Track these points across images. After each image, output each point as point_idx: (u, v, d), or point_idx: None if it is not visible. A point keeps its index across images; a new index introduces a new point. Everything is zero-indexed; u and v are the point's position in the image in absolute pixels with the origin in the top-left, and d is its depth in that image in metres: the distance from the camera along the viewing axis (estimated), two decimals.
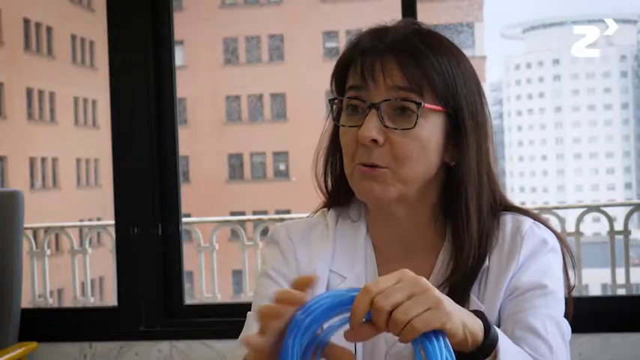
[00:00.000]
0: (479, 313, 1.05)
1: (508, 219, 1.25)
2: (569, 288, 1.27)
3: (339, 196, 1.30)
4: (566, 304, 1.24)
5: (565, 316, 1.22)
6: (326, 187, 1.32)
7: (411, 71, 1.17)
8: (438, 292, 0.98)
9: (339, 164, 1.28)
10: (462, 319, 0.99)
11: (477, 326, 1.02)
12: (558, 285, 1.23)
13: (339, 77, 1.25)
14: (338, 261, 1.26)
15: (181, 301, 2.90)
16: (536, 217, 1.27)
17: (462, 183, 1.21)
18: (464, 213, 1.21)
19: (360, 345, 1.22)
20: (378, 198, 1.21)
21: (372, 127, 1.17)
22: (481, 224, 1.22)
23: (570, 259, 1.28)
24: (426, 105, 1.18)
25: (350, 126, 1.21)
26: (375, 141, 1.18)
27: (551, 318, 1.18)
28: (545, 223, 1.27)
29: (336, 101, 1.24)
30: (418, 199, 1.23)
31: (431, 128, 1.19)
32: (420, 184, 1.21)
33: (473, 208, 1.21)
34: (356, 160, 1.20)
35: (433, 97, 1.18)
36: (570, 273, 1.28)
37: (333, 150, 1.29)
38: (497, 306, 1.20)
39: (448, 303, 0.98)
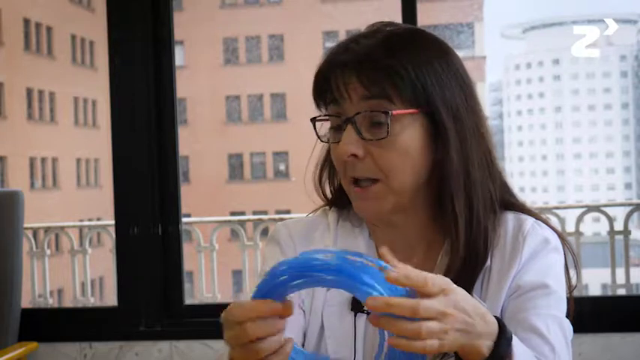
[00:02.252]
0: (501, 324, 1.05)
1: (509, 218, 1.25)
2: (570, 287, 1.27)
3: (339, 203, 1.31)
4: (567, 303, 1.23)
5: (566, 316, 1.22)
6: (324, 193, 1.33)
7: (371, 81, 1.17)
8: (459, 321, 0.99)
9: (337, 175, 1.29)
10: (458, 346, 1.01)
11: (482, 347, 1.03)
12: (560, 284, 1.23)
13: (318, 93, 1.25)
14: None
15: (181, 301, 2.90)
16: (537, 216, 1.27)
17: (445, 181, 1.21)
18: (450, 211, 1.21)
19: (360, 343, 1.22)
20: (373, 214, 1.23)
21: (348, 142, 1.18)
22: (473, 223, 1.21)
23: (572, 258, 1.28)
24: (395, 111, 1.17)
25: (335, 142, 1.22)
26: (355, 155, 1.18)
27: (553, 318, 1.18)
28: (547, 223, 1.27)
29: (318, 119, 1.24)
30: (414, 204, 1.23)
31: (408, 133, 1.19)
32: (412, 190, 1.21)
33: (460, 206, 1.20)
34: (347, 176, 1.21)
35: (402, 101, 1.18)
36: (572, 272, 1.28)
37: (329, 163, 1.30)
38: (500, 305, 1.20)
39: (455, 335, 0.99)
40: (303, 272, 0.98)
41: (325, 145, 1.29)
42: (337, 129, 1.22)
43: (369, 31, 1.24)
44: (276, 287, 0.98)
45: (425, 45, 1.22)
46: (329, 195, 1.33)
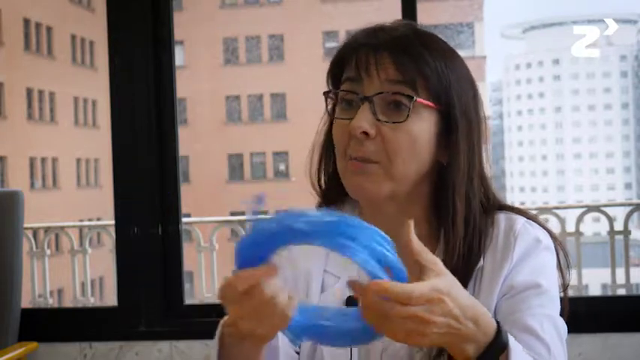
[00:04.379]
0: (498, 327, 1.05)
1: (501, 218, 1.25)
2: (564, 287, 1.27)
3: (332, 194, 1.30)
4: (561, 303, 1.23)
5: (560, 315, 1.22)
6: (320, 185, 1.32)
7: (405, 66, 1.18)
8: (444, 326, 0.99)
9: (333, 162, 1.28)
10: (439, 345, 1.01)
11: (468, 351, 1.02)
12: (553, 283, 1.23)
13: (335, 72, 1.26)
14: (332, 261, 1.26)
15: (181, 301, 2.90)
16: (529, 216, 1.27)
17: (450, 182, 1.21)
18: (451, 212, 1.21)
19: None
20: (368, 195, 1.21)
21: (363, 119, 1.18)
22: (471, 224, 1.22)
23: (565, 257, 1.28)
24: (419, 100, 1.18)
25: (343, 119, 1.22)
26: (366, 134, 1.18)
27: (547, 317, 1.18)
28: (539, 222, 1.27)
29: (330, 95, 1.25)
30: (409, 197, 1.23)
31: (422, 124, 1.19)
32: (411, 182, 1.21)
33: (461, 207, 1.21)
34: (348, 155, 1.20)
35: (426, 93, 1.19)
36: (565, 272, 1.28)
37: (327, 148, 1.29)
38: (492, 306, 1.20)
39: (433, 337, 0.99)
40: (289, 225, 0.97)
41: (320, 132, 1.29)
42: (347, 107, 1.22)
43: (393, 24, 1.25)
44: (262, 245, 0.98)
45: (444, 45, 1.24)
46: (323, 185, 1.32)
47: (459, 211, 1.21)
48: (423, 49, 1.20)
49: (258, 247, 0.98)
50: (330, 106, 1.27)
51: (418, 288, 0.97)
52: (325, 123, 1.29)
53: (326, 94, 1.25)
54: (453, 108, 1.21)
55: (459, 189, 1.21)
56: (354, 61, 1.21)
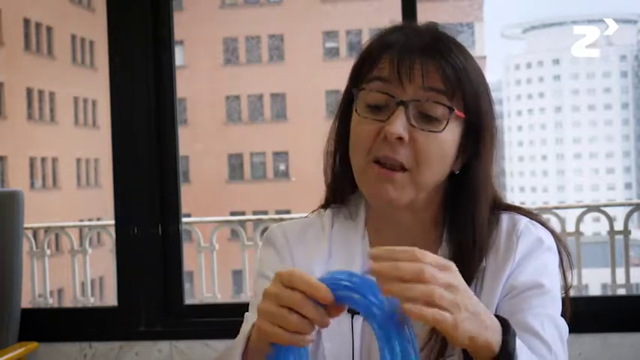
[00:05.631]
0: (503, 322, 1.04)
1: (504, 218, 1.25)
2: (566, 287, 1.27)
3: (340, 191, 1.29)
4: (562, 303, 1.23)
5: (562, 316, 1.22)
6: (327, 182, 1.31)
7: (447, 75, 1.17)
8: (467, 301, 0.98)
9: (344, 159, 1.26)
10: (469, 334, 0.98)
11: (492, 340, 1.01)
12: (555, 284, 1.22)
13: (362, 69, 1.23)
14: (334, 261, 1.26)
15: (181, 301, 2.90)
16: (532, 216, 1.27)
17: (473, 192, 1.21)
18: (469, 220, 1.21)
19: (357, 342, 1.21)
20: (391, 202, 1.20)
21: (399, 124, 1.16)
22: (478, 227, 1.22)
23: (567, 258, 1.27)
24: (457, 112, 1.18)
25: (372, 119, 1.19)
26: (400, 138, 1.17)
27: (548, 317, 1.18)
28: (542, 222, 1.27)
29: (353, 91, 1.21)
30: (424, 205, 1.23)
31: (452, 135, 1.19)
32: (430, 190, 1.21)
33: (478, 215, 1.21)
34: (372, 155, 1.19)
35: (460, 104, 1.19)
36: (567, 272, 1.27)
37: (338, 144, 1.27)
38: (494, 306, 1.20)
39: (466, 314, 0.98)
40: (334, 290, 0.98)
41: (332, 128, 1.27)
42: (375, 107, 1.19)
43: (422, 27, 1.23)
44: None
45: (468, 51, 1.23)
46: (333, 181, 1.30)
47: (477, 218, 1.21)
48: (463, 60, 1.19)
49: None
50: (345, 103, 1.25)
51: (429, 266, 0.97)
52: (337, 121, 1.27)
53: (357, 91, 1.21)
54: (482, 120, 1.21)
55: (482, 198, 1.21)
56: (395, 62, 1.18)
